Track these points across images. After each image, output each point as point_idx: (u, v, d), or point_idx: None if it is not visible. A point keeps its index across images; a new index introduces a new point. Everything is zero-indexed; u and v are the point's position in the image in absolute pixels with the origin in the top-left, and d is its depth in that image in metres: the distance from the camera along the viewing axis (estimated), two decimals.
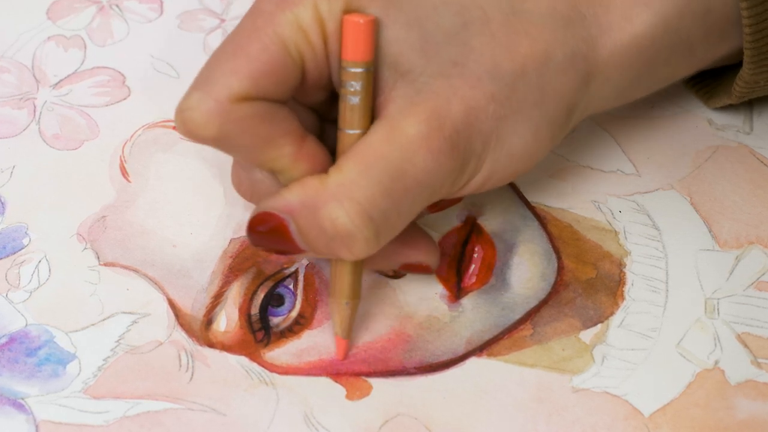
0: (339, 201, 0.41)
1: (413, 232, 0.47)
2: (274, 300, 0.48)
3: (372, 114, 0.43)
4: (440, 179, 0.43)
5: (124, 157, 0.53)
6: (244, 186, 0.46)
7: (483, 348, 0.47)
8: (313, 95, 0.45)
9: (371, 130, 0.43)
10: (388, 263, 0.47)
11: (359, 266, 0.45)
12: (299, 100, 0.45)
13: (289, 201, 0.42)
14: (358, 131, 0.43)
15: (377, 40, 0.42)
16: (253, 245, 0.44)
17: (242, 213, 0.51)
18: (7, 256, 0.49)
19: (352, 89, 0.42)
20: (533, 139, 0.45)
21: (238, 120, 0.42)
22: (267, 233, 0.43)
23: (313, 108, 0.46)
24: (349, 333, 0.46)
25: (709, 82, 0.53)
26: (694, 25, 0.46)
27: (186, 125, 0.42)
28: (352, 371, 0.46)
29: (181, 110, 0.42)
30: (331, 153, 0.44)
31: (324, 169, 0.43)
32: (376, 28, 0.42)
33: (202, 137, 0.42)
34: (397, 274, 0.49)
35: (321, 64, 0.43)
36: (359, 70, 0.42)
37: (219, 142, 0.42)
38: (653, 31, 0.46)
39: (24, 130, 0.54)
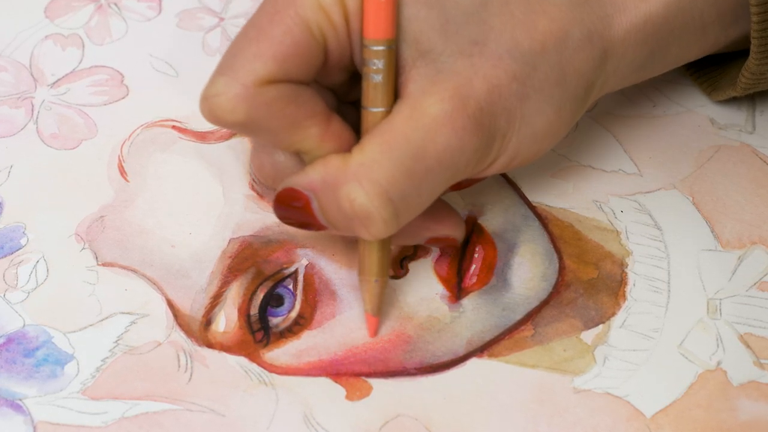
0: (359, 181, 0.42)
1: (438, 205, 0.47)
2: (273, 300, 0.48)
3: (395, 92, 0.43)
4: (464, 159, 0.43)
5: (122, 156, 0.53)
6: (266, 169, 0.46)
7: (484, 349, 0.47)
8: (334, 76, 0.45)
9: (394, 110, 0.43)
10: (413, 238, 0.48)
11: (387, 243, 0.46)
12: (319, 81, 0.45)
13: (312, 178, 0.43)
14: (381, 109, 0.43)
15: (398, 18, 0.43)
16: (279, 220, 0.45)
17: (241, 213, 0.50)
18: (5, 256, 0.49)
19: (374, 67, 0.43)
20: (556, 117, 0.45)
21: (265, 103, 0.42)
22: (291, 209, 0.44)
23: (333, 89, 0.46)
24: (379, 310, 0.47)
25: (714, 74, 0.53)
26: (707, 5, 0.47)
27: (213, 112, 0.42)
28: (352, 372, 0.46)
29: (206, 97, 0.42)
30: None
31: (349, 148, 0.43)
32: (396, 5, 0.42)
33: (230, 122, 0.42)
34: (397, 275, 0.49)
35: (343, 43, 0.43)
36: (381, 48, 0.42)
37: (247, 126, 0.42)
38: (666, 11, 0.46)
39: (21, 129, 0.54)
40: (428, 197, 0.43)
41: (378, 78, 0.43)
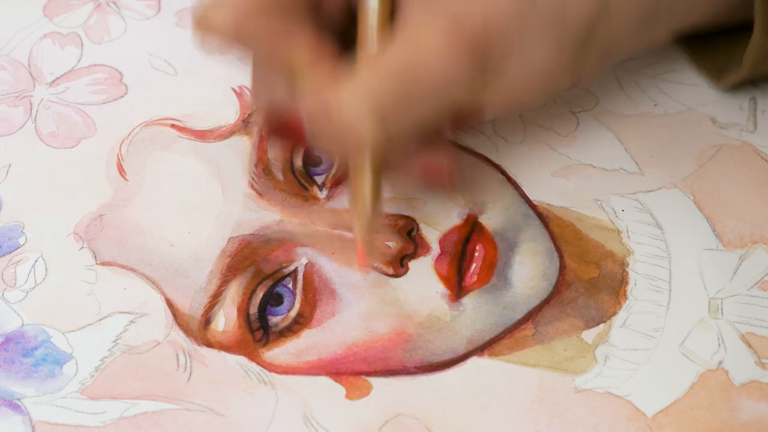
0: (351, 95, 0.43)
1: (435, 139, 0.47)
2: (273, 299, 0.48)
3: (390, 33, 0.44)
4: (457, 86, 0.44)
5: (121, 155, 0.53)
6: (261, 91, 0.48)
7: (484, 348, 0.47)
8: (331, 17, 0.46)
9: (390, 41, 0.44)
10: (407, 171, 0.48)
11: (378, 172, 0.46)
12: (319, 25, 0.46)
13: (304, 97, 0.44)
14: (377, 50, 0.44)
15: None
16: (272, 139, 0.47)
17: (240, 212, 0.50)
18: (3, 255, 0.49)
19: (371, 6, 0.44)
20: (554, 56, 0.45)
21: (256, 11, 0.43)
22: (283, 128, 0.45)
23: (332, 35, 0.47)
24: (369, 240, 0.47)
25: (719, 56, 0.53)
26: None
27: (204, 19, 0.43)
28: (351, 371, 0.46)
29: (199, 6, 0.43)
30: None
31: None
32: None
33: (220, 28, 0.43)
34: (397, 273, 0.49)
35: None
36: None
37: (237, 33, 0.43)
38: None
39: (20, 128, 0.54)
40: (419, 120, 0.44)
41: (374, 17, 0.44)
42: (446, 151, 0.48)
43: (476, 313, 0.48)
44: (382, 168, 0.46)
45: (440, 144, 0.48)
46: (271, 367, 0.46)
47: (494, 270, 0.49)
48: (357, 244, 0.47)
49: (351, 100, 0.42)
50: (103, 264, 0.49)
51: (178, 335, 0.47)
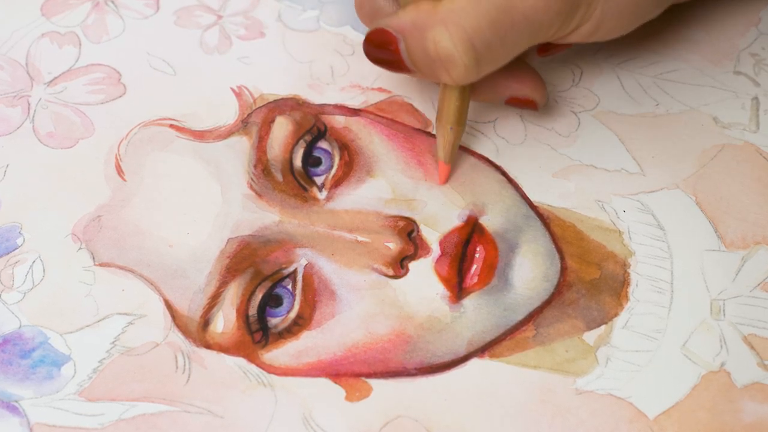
0: (445, 25, 0.45)
1: (522, 67, 0.51)
2: (272, 301, 0.48)
3: None
4: (548, 19, 0.46)
5: (119, 155, 0.52)
6: (365, 9, 0.51)
7: (485, 349, 0.47)
8: None
9: None
10: (495, 95, 0.52)
11: (466, 95, 0.49)
12: None
13: (402, 20, 0.47)
14: None
15: None
16: (368, 58, 0.49)
17: (240, 212, 0.50)
18: (1, 256, 0.49)
19: None
20: None
21: None
22: (380, 48, 0.48)
23: None
24: (452, 158, 0.51)
25: None
26: None
27: None
28: (351, 372, 0.46)
29: None
30: None
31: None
32: None
33: None
34: (397, 274, 0.49)
35: None
36: None
37: None
38: None
39: (18, 128, 0.54)
40: (510, 51, 0.47)
41: None
42: (534, 84, 0.51)
43: (477, 315, 0.48)
44: (469, 93, 0.50)
45: (528, 76, 0.51)
46: (270, 369, 0.46)
47: (495, 271, 0.49)
48: (438, 161, 0.51)
49: (446, 38, 0.45)
50: (101, 265, 0.49)
51: (177, 336, 0.47)
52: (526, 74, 0.51)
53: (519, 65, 0.50)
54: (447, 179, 0.51)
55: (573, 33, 0.49)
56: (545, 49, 0.52)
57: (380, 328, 0.47)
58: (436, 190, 0.51)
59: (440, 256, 0.49)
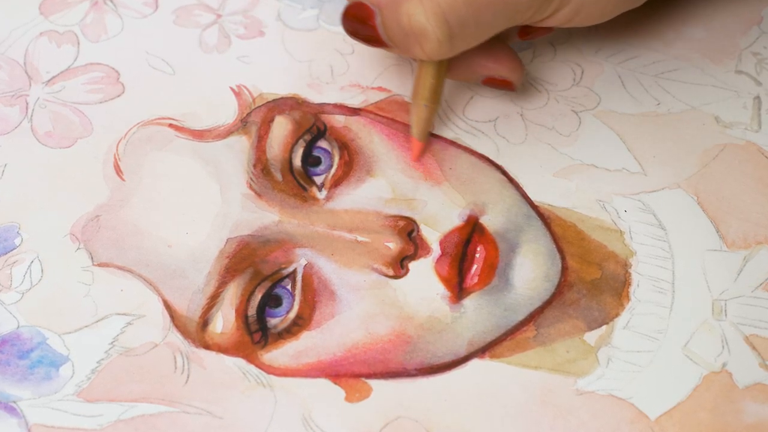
0: (421, 7, 0.46)
1: (500, 48, 0.51)
2: (271, 301, 0.48)
3: None
4: (525, 6, 0.47)
5: (118, 155, 0.52)
6: None
7: (485, 349, 0.47)
8: None
9: None
10: (471, 75, 0.52)
11: (442, 72, 0.50)
12: None
13: None
14: None
15: None
16: (346, 32, 0.49)
17: (239, 212, 0.50)
18: None
19: None
20: None
21: None
22: (357, 21, 0.48)
23: None
24: (425, 135, 0.51)
25: None
26: None
27: None
28: (351, 372, 0.46)
29: None
30: None
31: None
32: None
33: None
34: (397, 274, 0.48)
35: None
36: None
37: None
38: None
39: (16, 127, 0.53)
40: (485, 30, 0.47)
41: None
42: (511, 64, 0.51)
43: (477, 315, 0.47)
44: (445, 71, 0.50)
45: (505, 56, 0.51)
46: (269, 369, 0.46)
47: (495, 271, 0.49)
48: (411, 138, 0.51)
49: (420, 11, 0.46)
50: (99, 265, 0.49)
51: (176, 337, 0.47)
52: (504, 54, 0.51)
53: (497, 45, 0.51)
54: (420, 156, 0.51)
55: (551, 17, 0.49)
56: (526, 32, 0.52)
57: (380, 329, 0.47)
58: (436, 189, 0.51)
59: (440, 256, 0.49)
